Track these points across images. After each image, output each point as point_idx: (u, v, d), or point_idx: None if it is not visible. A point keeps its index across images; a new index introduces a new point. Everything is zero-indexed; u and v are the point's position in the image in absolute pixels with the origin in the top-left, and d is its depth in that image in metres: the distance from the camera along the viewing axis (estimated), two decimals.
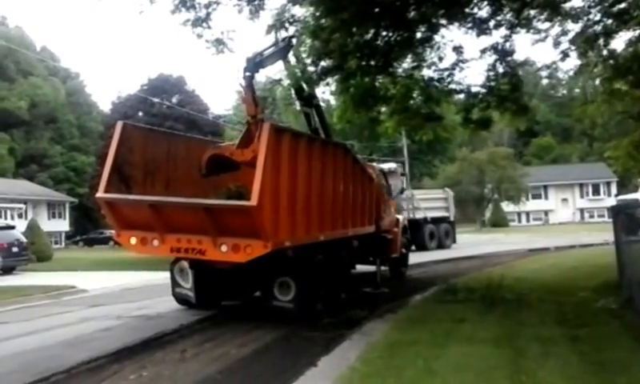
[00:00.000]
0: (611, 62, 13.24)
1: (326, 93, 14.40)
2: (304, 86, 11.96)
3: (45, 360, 7.50)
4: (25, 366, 7.22)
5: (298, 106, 13.46)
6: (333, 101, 20.95)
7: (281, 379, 6.42)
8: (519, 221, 67.72)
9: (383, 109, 14.85)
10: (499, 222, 61.03)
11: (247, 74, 10.34)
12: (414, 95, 14.12)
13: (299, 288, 9.77)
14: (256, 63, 10.66)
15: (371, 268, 14.81)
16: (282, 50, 11.26)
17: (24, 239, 24.22)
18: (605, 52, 13.04)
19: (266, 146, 8.24)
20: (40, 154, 57.26)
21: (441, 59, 13.20)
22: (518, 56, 13.54)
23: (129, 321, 10.49)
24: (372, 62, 12.37)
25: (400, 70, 13.56)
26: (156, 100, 38.68)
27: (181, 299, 10.92)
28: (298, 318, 9.68)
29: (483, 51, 13.17)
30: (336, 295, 11.33)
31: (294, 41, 11.46)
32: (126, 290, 14.95)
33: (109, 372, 7.03)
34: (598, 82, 16.74)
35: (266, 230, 8.19)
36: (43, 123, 59.30)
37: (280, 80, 12.88)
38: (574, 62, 14.41)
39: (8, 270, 22.40)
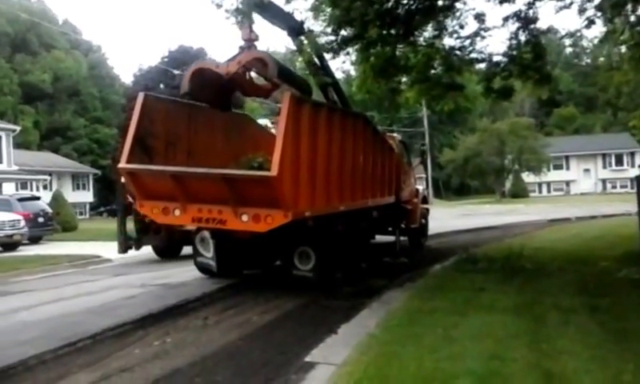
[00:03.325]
0: (639, 28, 12.97)
1: (346, 62, 14.27)
2: (316, 60, 11.88)
3: (71, 326, 7.69)
4: (51, 332, 7.41)
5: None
6: (352, 71, 20.84)
7: (301, 346, 6.52)
8: (540, 191, 67.19)
9: (404, 79, 14.74)
10: (519, 192, 60.64)
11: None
12: (435, 64, 13.98)
13: (319, 257, 9.88)
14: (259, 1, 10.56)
15: (391, 238, 14.90)
16: (289, 23, 11.19)
17: (49, 210, 24.64)
18: (632, 18, 12.76)
19: (287, 116, 8.27)
20: (64, 127, 57.87)
21: (462, 27, 13.03)
22: (541, 24, 13.30)
23: (152, 289, 10.68)
24: (393, 31, 12.24)
25: (421, 39, 13.41)
26: (177, 72, 38.70)
27: (202, 268, 11.08)
28: (318, 286, 9.80)
29: (506, 19, 12.95)
30: (356, 265, 11.42)
31: (306, 28, 11.39)
32: (149, 259, 15.16)
33: (133, 338, 7.20)
34: (624, 49, 16.42)
35: (286, 200, 8.24)
36: (66, 96, 59.79)
37: (300, 50, 12.81)
38: (599, 29, 14.16)
39: (34, 240, 22.87)
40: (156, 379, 5.61)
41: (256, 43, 9.92)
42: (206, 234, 10.54)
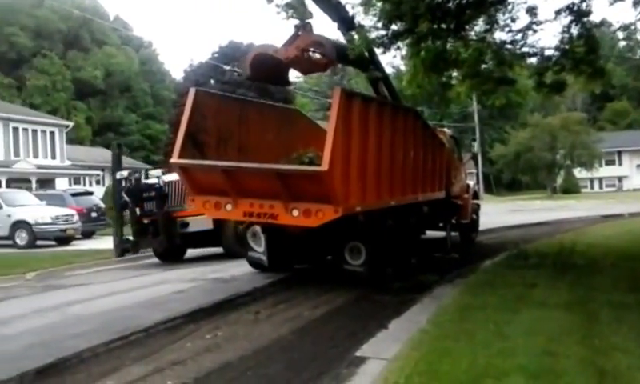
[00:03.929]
0: None
1: (396, 57, 14.18)
2: (366, 54, 11.80)
3: (124, 320, 7.80)
4: (105, 325, 7.53)
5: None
6: (402, 66, 20.68)
7: (352, 341, 6.48)
8: (591, 187, 65.68)
9: (454, 73, 14.54)
10: (571, 188, 59.40)
11: None
12: (486, 59, 13.74)
13: (370, 252, 9.84)
14: None
15: (441, 234, 14.74)
16: (340, 14, 11.15)
17: (102, 205, 25.24)
18: None
19: (337, 111, 8.24)
20: (116, 122, 59.25)
21: (514, 21, 12.77)
22: (595, 17, 12.92)
23: (203, 283, 10.80)
24: (443, 26, 12.08)
25: (472, 33, 13.20)
26: (227, 67, 39.18)
27: (254, 263, 11.16)
28: (369, 281, 9.77)
29: (558, 12, 12.62)
30: (406, 260, 11.34)
31: (356, 22, 11.33)
32: (200, 253, 15.35)
33: (185, 331, 7.27)
34: None
35: (336, 195, 8.23)
36: (118, 92, 61.15)
37: (351, 44, 12.76)
38: None
39: (88, 235, 23.45)
40: (208, 372, 5.66)
41: (310, 21, 9.97)
42: (258, 228, 10.61)
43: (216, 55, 46.07)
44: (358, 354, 5.91)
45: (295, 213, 8.53)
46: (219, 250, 14.64)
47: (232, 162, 9.33)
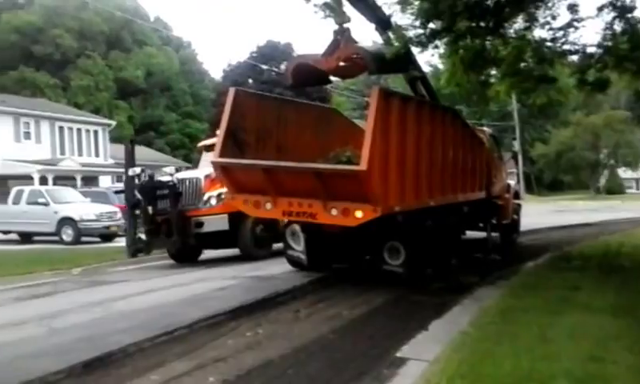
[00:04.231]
0: None
1: (434, 55, 14.05)
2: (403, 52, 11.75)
3: (167, 316, 7.92)
4: (149, 321, 7.68)
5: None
6: (440, 65, 20.51)
7: (392, 341, 6.47)
8: (637, 187, 64.03)
9: (493, 71, 14.37)
10: (615, 188, 58.16)
11: None
12: (526, 57, 13.55)
13: (409, 253, 9.81)
14: None
15: (482, 234, 14.59)
16: (378, 15, 11.12)
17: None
18: None
19: (376, 110, 8.24)
20: (157, 121, 60.16)
21: (554, 18, 12.56)
22: (639, 13, 12.62)
23: (243, 281, 10.91)
24: (482, 23, 11.96)
25: (511, 31, 13.03)
26: (265, 67, 39.46)
27: (293, 261, 11.23)
28: (408, 282, 9.74)
29: (600, 9, 12.36)
30: (446, 260, 11.27)
31: (393, 22, 11.30)
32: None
33: (226, 329, 7.36)
34: None
35: (375, 195, 8.22)
36: (159, 91, 62.08)
37: (388, 44, 12.71)
38: None
39: None
40: (249, 369, 5.72)
41: (349, 25, 10.01)
42: (297, 227, 10.68)
43: (254, 55, 46.51)
44: (398, 354, 5.92)
45: (334, 212, 8.56)
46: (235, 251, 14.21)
47: (271, 161, 9.41)
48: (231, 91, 10.02)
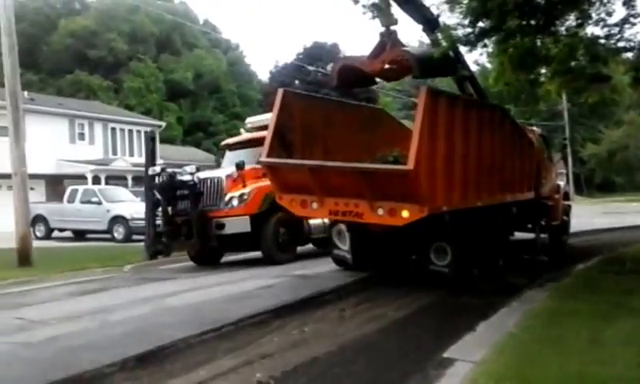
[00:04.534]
0: None
1: (483, 55, 13.89)
2: (450, 53, 11.64)
3: (213, 312, 8.06)
4: (197, 317, 7.81)
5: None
6: (488, 64, 20.24)
7: (438, 342, 6.44)
8: None
9: (543, 70, 14.11)
10: None
11: None
12: (578, 55, 13.25)
13: (456, 253, 9.74)
14: None
15: (530, 235, 14.35)
16: (425, 16, 11.05)
17: None
18: None
19: (423, 110, 8.21)
20: (205, 122, 61.06)
21: (609, 15, 12.25)
22: None
23: (288, 280, 10.99)
24: (532, 21, 11.76)
25: (562, 29, 12.77)
26: (311, 68, 39.64)
27: (338, 260, 11.27)
28: (455, 283, 9.67)
29: None
30: (493, 261, 11.13)
31: (441, 22, 11.21)
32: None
33: (272, 326, 7.43)
34: None
35: (422, 195, 8.19)
36: (207, 93, 63.02)
37: (435, 44, 12.63)
38: None
39: None
40: (295, 367, 5.77)
41: (395, 28, 9.98)
42: (343, 226, 10.73)
43: (300, 56, 46.75)
44: (445, 355, 5.88)
45: (380, 212, 8.57)
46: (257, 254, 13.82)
47: (317, 160, 9.48)
48: (279, 92, 10.13)
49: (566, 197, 16.79)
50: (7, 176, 15.68)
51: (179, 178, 13.46)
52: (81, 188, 25.14)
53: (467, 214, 9.72)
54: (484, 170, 10.03)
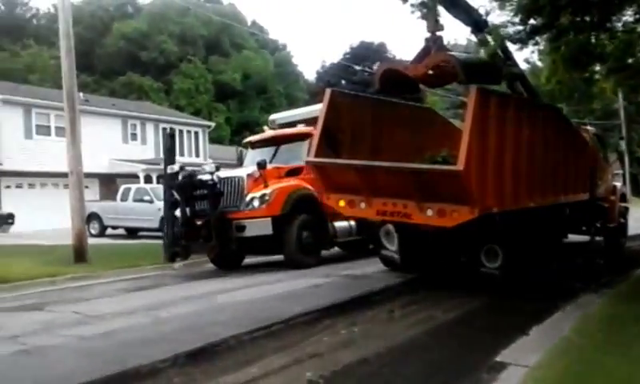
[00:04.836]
0: None
1: (534, 53, 13.59)
2: (499, 53, 11.43)
3: (263, 311, 8.15)
4: (247, 315, 7.93)
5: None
6: (539, 62, 19.81)
7: (490, 345, 6.31)
8: None
9: (598, 68, 13.75)
10: None
11: None
12: (636, 51, 12.87)
13: (507, 255, 9.56)
14: None
15: (585, 238, 14.00)
16: (473, 18, 10.87)
17: None
18: None
19: (473, 109, 8.09)
20: (252, 122, 61.54)
21: None
22: None
23: (337, 279, 11.01)
24: (587, 18, 11.47)
25: (619, 25, 12.42)
26: (358, 67, 39.58)
27: (386, 261, 11.22)
28: (506, 285, 9.50)
29: None
30: (546, 264, 10.88)
31: (490, 22, 11.02)
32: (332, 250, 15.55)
33: (322, 325, 7.44)
34: None
35: (472, 195, 8.07)
36: (255, 93, 63.60)
37: (484, 43, 12.44)
38: None
39: None
40: (345, 366, 5.76)
41: (441, 34, 9.85)
42: (391, 227, 10.66)
43: (347, 56, 46.70)
44: (497, 359, 5.77)
45: (429, 212, 8.47)
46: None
47: (365, 160, 9.44)
48: (327, 91, 10.12)
49: (623, 198, 16.32)
50: (64, 175, 16.14)
51: (199, 177, 13.06)
52: (133, 187, 25.72)
53: (519, 215, 9.52)
54: (536, 170, 9.81)
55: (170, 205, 12.80)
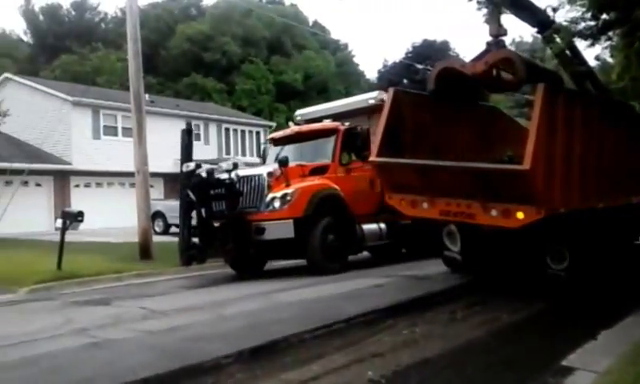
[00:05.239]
0: None
1: (607, 49, 13.14)
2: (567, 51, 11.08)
3: (324, 310, 8.19)
4: (307, 313, 7.99)
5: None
6: (609, 59, 19.12)
7: (556, 349, 6.16)
8: None
9: None
10: None
11: None
12: None
13: (574, 257, 9.27)
14: None
15: None
16: (539, 18, 10.56)
17: None
18: None
19: (540, 107, 7.88)
20: None
21: None
22: None
23: (398, 280, 10.95)
24: None
25: None
26: (420, 66, 39.21)
27: (449, 262, 11.06)
28: (572, 287, 9.22)
29: None
30: (616, 266, 10.51)
31: (557, 20, 10.69)
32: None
33: (383, 325, 7.42)
34: None
35: (539, 196, 7.86)
36: (315, 93, 63.78)
37: (550, 41, 12.11)
38: None
39: None
40: (406, 367, 5.73)
41: (503, 38, 9.63)
42: (454, 227, 10.49)
43: (409, 54, 46.32)
44: (564, 363, 5.62)
45: (494, 213, 8.30)
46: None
47: (427, 160, 9.33)
48: (390, 91, 10.06)
49: None
50: (130, 174, 16.62)
51: (216, 175, 12.04)
52: None
53: (587, 216, 9.23)
54: (606, 169, 9.48)
55: (186, 206, 11.58)
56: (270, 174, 12.22)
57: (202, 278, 12.47)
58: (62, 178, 29.29)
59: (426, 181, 8.92)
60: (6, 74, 34.26)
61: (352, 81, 67.85)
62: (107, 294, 10.85)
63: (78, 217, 10.91)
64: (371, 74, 71.51)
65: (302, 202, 11.81)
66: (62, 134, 29.86)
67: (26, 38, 62.41)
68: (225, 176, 12.06)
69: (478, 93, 11.46)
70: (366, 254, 14.23)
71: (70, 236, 10.54)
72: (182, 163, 11.76)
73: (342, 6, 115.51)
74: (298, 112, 16.05)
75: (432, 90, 9.97)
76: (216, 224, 11.84)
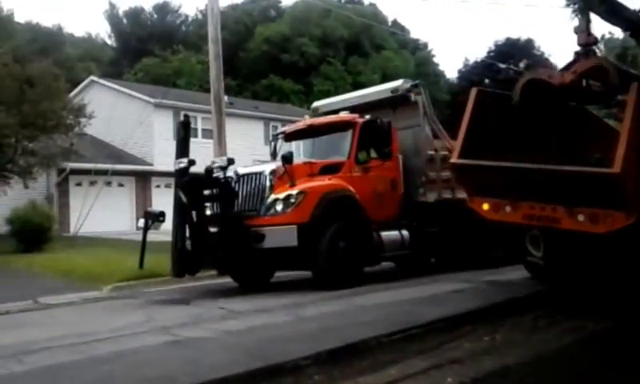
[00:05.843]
0: None
1: None
2: None
3: (404, 313, 8.08)
4: (387, 317, 7.86)
5: None
6: None
7: None
8: None
9: None
10: None
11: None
12: None
13: None
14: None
15: None
16: (632, 25, 10.05)
17: None
18: None
19: (633, 108, 7.55)
20: None
21: None
22: None
23: (479, 285, 10.71)
24: None
25: None
26: (503, 66, 38.29)
27: (531, 268, 10.73)
28: None
29: None
30: None
31: None
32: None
33: (463, 331, 7.30)
34: None
35: (629, 200, 7.52)
36: None
37: None
38: None
39: None
40: (486, 374, 5.65)
41: (594, 48, 9.24)
42: (537, 232, 10.19)
43: (491, 53, 45.31)
44: None
45: (580, 218, 8.00)
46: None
47: (511, 162, 9.10)
48: (473, 91, 9.86)
49: None
50: None
51: (215, 174, 10.83)
52: None
53: None
54: None
55: (179, 208, 10.28)
56: (273, 173, 10.76)
57: (278, 279, 12.58)
58: (144, 179, 30.34)
59: (509, 184, 8.71)
60: (92, 77, 35.84)
61: (431, 81, 67.02)
62: (186, 293, 11.16)
63: (160, 217, 10.93)
64: (451, 73, 70.40)
65: (307, 205, 10.30)
66: (143, 135, 30.93)
67: (110, 42, 65.05)
68: (220, 174, 10.79)
69: (565, 105, 10.92)
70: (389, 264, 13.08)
71: (152, 236, 10.81)
72: (175, 159, 10.75)
73: (422, 4, 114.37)
74: (316, 104, 14.58)
75: (516, 103, 9.52)
76: (213, 229, 10.53)
